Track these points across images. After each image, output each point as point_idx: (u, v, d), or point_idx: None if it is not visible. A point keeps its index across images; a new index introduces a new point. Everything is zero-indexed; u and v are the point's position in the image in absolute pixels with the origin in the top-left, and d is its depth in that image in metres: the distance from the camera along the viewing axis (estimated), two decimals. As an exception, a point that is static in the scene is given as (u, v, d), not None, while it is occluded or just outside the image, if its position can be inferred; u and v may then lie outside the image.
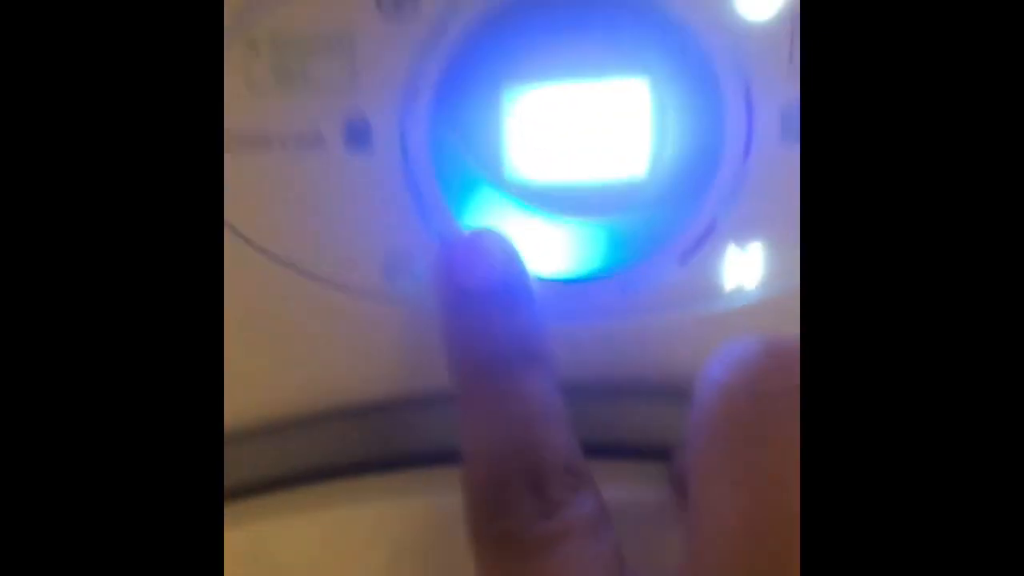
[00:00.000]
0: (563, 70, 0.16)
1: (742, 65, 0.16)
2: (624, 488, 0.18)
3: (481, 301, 0.15)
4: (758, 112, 0.16)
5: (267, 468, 0.20)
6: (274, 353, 0.18)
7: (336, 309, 0.17)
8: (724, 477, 0.14)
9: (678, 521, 0.16)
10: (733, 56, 0.16)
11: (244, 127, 0.16)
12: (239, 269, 0.17)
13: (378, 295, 0.17)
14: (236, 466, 0.20)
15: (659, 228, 0.17)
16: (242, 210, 0.17)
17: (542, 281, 0.17)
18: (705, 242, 0.17)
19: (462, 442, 0.15)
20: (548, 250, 0.17)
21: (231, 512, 0.19)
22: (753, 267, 0.17)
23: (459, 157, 0.16)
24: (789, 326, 0.17)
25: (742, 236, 0.17)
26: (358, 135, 0.16)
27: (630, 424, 0.19)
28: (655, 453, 0.19)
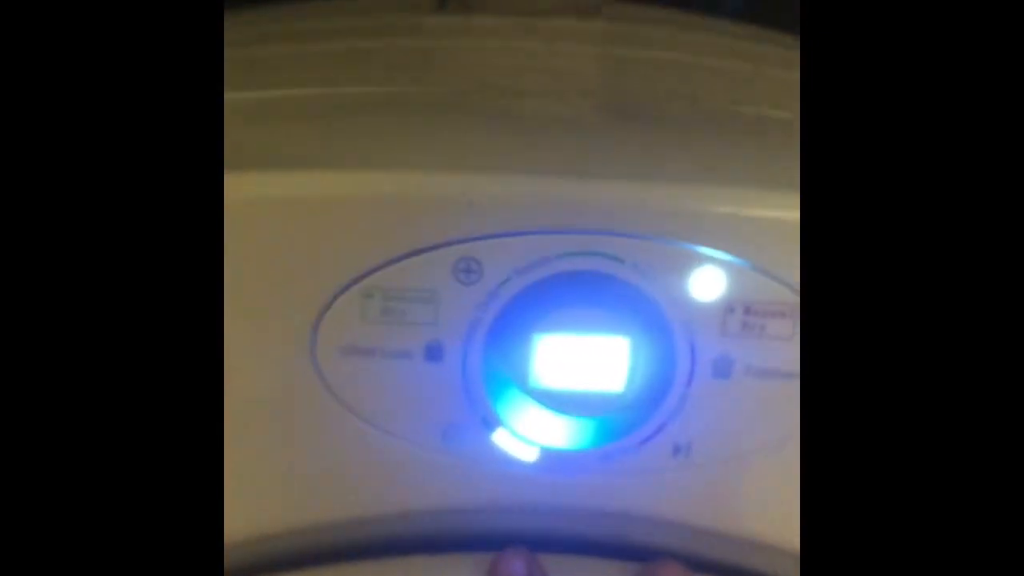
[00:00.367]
0: (572, 326, 0.24)
1: (691, 330, 0.24)
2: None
3: None
4: (698, 360, 0.24)
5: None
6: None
7: (410, 458, 0.25)
8: None
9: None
10: (685, 324, 0.24)
11: (359, 343, 0.24)
12: (338, 434, 0.25)
13: (436, 452, 0.25)
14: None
15: (629, 423, 0.25)
16: (351, 392, 0.25)
17: (553, 450, 0.25)
18: (657, 434, 0.25)
19: None
20: (556, 432, 0.25)
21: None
22: (687, 453, 0.25)
23: (500, 371, 0.25)
24: (709, 489, 0.25)
25: (682, 434, 0.25)
26: (434, 353, 0.24)
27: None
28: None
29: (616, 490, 0.26)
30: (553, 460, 0.25)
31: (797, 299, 0.23)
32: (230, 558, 0.26)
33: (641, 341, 0.24)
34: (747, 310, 0.23)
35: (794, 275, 0.23)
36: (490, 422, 0.25)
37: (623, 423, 0.25)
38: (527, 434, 0.25)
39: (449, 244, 0.23)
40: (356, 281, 0.24)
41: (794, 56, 0.46)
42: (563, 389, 0.25)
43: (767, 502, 0.26)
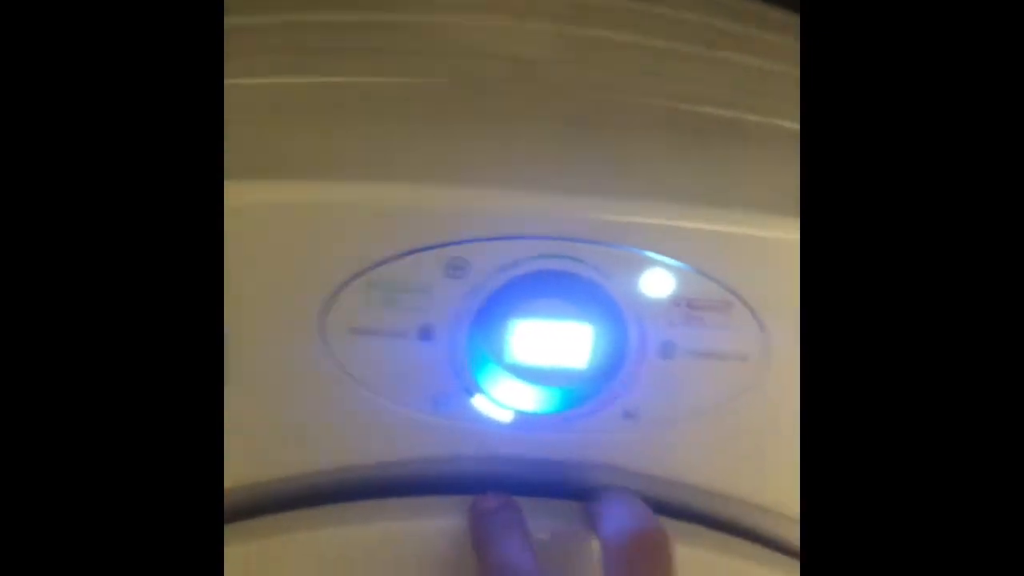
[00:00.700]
0: (544, 314, 0.29)
1: (642, 319, 0.28)
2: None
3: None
4: (648, 343, 0.29)
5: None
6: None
7: (403, 418, 0.30)
8: None
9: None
10: (637, 314, 0.28)
11: (361, 326, 0.28)
12: (346, 400, 0.30)
13: (426, 414, 0.30)
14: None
15: (589, 393, 0.30)
16: (356, 365, 0.29)
17: (525, 413, 0.30)
18: (613, 402, 0.30)
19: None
20: (528, 399, 0.30)
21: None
22: (637, 416, 0.30)
23: (482, 349, 0.29)
24: (652, 446, 0.30)
25: (633, 401, 0.30)
26: (426, 334, 0.29)
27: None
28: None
29: (577, 446, 0.31)
30: (525, 422, 0.30)
31: (730, 296, 0.28)
32: (255, 495, 0.31)
33: (601, 327, 0.29)
34: (689, 304, 0.28)
35: (727, 276, 0.28)
36: (472, 390, 0.30)
37: (584, 393, 0.30)
38: (503, 400, 0.30)
39: (442, 246, 0.27)
40: (362, 274, 0.28)
41: (765, 35, 0.50)
42: (534, 364, 0.30)
43: (699, 455, 0.31)
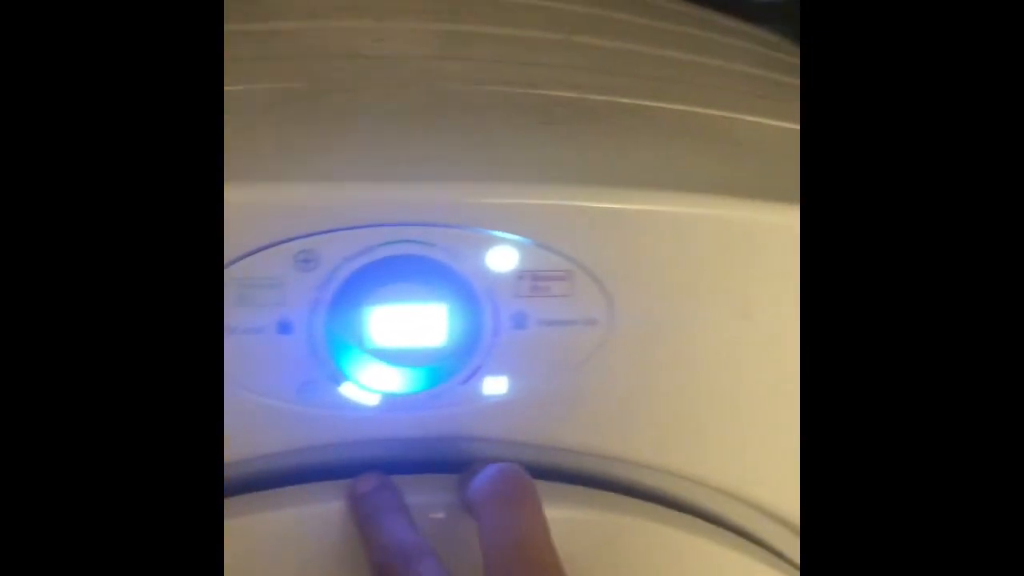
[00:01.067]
0: (398, 298, 0.30)
1: (492, 294, 0.30)
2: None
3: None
4: (501, 317, 0.30)
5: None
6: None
7: (272, 411, 0.31)
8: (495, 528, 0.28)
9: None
10: (488, 290, 0.30)
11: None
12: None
13: (294, 404, 0.31)
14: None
15: (451, 369, 0.31)
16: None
17: (392, 395, 0.31)
18: (474, 375, 0.31)
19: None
20: (393, 381, 0.31)
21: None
22: (500, 387, 0.32)
23: (342, 337, 0.30)
24: (518, 412, 0.32)
25: (494, 373, 0.31)
26: (285, 328, 0.29)
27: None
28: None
29: (445, 421, 0.32)
30: (392, 403, 0.32)
31: (570, 265, 0.30)
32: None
33: (455, 305, 0.30)
34: (534, 276, 0.30)
35: (567, 247, 0.29)
36: (337, 378, 0.31)
37: (446, 369, 0.31)
38: (369, 384, 0.31)
39: (289, 240, 0.28)
40: (213, 274, 0.28)
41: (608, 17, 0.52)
42: (395, 347, 0.31)
43: (561, 416, 0.33)
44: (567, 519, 0.32)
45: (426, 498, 0.32)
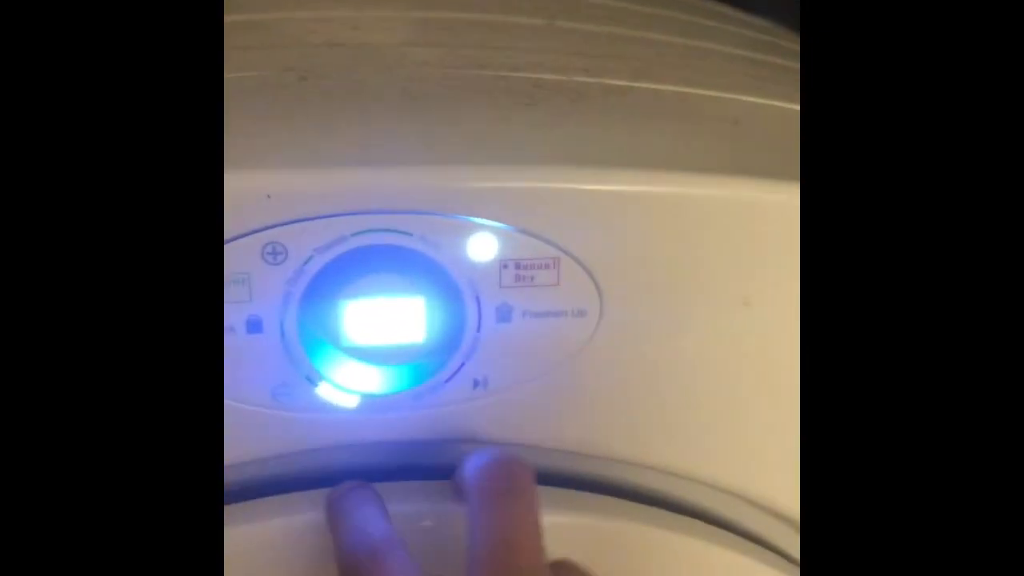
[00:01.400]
0: (374, 292, 0.28)
1: (474, 285, 0.28)
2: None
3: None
4: (484, 309, 0.28)
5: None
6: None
7: (245, 416, 0.29)
8: (483, 526, 0.26)
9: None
10: (469, 281, 0.28)
11: (185, 324, 0.27)
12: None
13: (268, 408, 0.29)
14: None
15: (434, 367, 0.29)
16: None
17: (371, 396, 0.29)
18: (457, 373, 0.29)
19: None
20: (372, 380, 0.29)
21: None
22: (485, 384, 0.30)
23: (316, 335, 0.28)
24: (506, 411, 0.30)
25: (478, 370, 0.30)
26: (254, 326, 0.28)
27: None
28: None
29: (429, 422, 0.31)
30: (372, 404, 0.30)
31: (556, 252, 0.28)
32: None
33: (434, 298, 0.28)
34: (517, 265, 0.28)
35: (551, 233, 0.28)
36: (313, 378, 0.29)
37: (429, 367, 0.30)
38: (347, 385, 0.29)
39: (254, 232, 0.26)
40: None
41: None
42: (373, 344, 0.29)
43: (544, 414, 0.31)
44: (558, 525, 0.30)
45: (412, 506, 0.30)
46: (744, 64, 0.44)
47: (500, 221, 0.27)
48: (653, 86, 0.35)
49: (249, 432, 0.29)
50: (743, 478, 0.33)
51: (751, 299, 0.30)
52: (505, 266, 0.28)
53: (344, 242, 0.27)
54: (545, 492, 0.31)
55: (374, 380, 0.30)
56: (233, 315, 0.27)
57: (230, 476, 0.31)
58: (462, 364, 0.29)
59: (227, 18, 0.40)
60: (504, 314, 0.29)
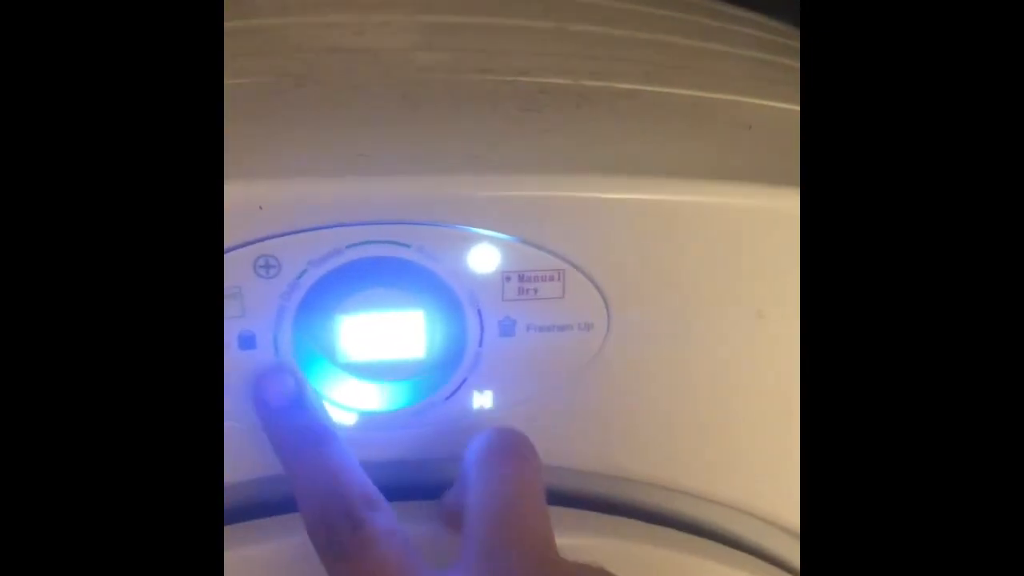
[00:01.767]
0: (371, 306, 0.27)
1: (476, 298, 0.27)
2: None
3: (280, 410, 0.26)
4: (486, 323, 0.27)
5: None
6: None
7: (238, 435, 0.28)
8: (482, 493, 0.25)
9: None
10: (471, 294, 0.27)
11: (176, 339, 0.26)
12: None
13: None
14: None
15: (434, 383, 0.28)
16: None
17: (370, 413, 0.28)
18: (459, 389, 0.28)
19: (296, 496, 0.25)
20: (371, 398, 0.28)
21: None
22: (487, 401, 0.29)
23: (311, 350, 0.27)
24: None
25: (480, 386, 0.28)
26: (247, 342, 0.27)
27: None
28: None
29: (431, 441, 0.29)
30: (371, 422, 0.29)
31: (561, 264, 0.27)
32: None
33: (434, 312, 0.27)
34: (521, 277, 0.27)
35: (556, 244, 0.26)
36: (309, 396, 0.28)
37: (429, 383, 0.28)
38: (345, 402, 0.28)
39: (246, 245, 0.25)
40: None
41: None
42: (371, 360, 0.28)
43: (549, 432, 0.29)
44: (563, 547, 0.29)
45: (410, 527, 0.29)
46: (756, 66, 0.42)
47: (502, 232, 0.26)
48: (664, 90, 0.34)
49: (243, 452, 0.28)
50: (761, 498, 0.31)
51: (765, 311, 0.28)
52: (508, 278, 0.27)
53: (340, 254, 0.26)
54: (550, 512, 0.30)
55: (372, 397, 0.29)
56: (226, 331, 0.26)
57: (225, 497, 0.30)
58: (464, 380, 0.28)
59: (230, 24, 0.39)
60: (507, 328, 0.27)
